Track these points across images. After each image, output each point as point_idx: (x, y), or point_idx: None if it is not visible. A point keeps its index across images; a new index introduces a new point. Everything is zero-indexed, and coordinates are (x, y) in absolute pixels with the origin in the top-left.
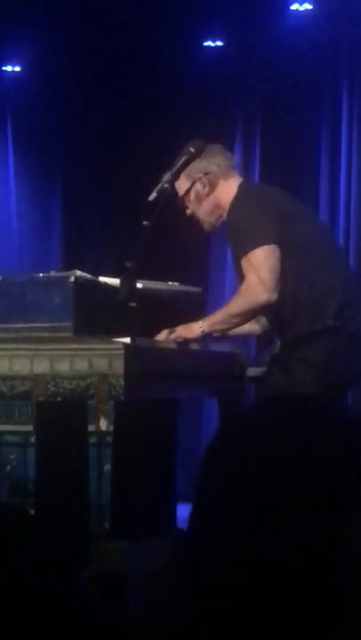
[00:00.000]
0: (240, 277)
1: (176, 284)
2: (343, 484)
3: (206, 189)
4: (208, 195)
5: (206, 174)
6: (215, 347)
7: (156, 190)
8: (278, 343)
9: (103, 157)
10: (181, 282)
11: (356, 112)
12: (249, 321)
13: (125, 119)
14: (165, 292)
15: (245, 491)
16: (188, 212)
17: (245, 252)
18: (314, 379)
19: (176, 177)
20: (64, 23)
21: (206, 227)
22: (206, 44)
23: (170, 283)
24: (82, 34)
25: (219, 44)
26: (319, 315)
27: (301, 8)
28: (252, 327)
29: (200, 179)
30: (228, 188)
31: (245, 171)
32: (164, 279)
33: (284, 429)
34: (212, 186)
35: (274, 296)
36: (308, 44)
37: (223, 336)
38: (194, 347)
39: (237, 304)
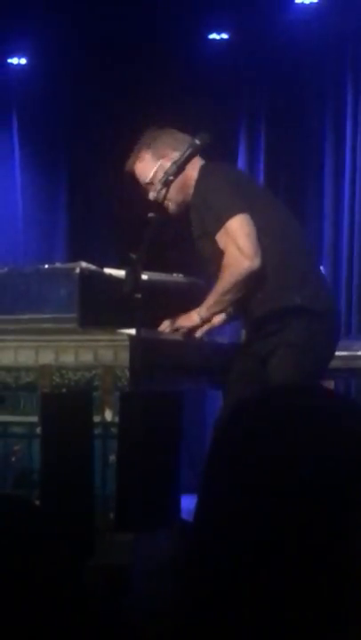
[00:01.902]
0: (207, 261)
1: (181, 275)
2: (351, 473)
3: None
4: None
5: (174, 150)
6: (219, 339)
7: (161, 182)
8: (243, 332)
9: (108, 149)
10: (186, 273)
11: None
12: (241, 294)
13: (130, 112)
14: (170, 284)
15: (251, 482)
16: (152, 195)
17: (219, 227)
18: (294, 360)
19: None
20: (69, 16)
21: (172, 208)
22: (211, 36)
23: (175, 274)
24: (87, 27)
25: (224, 36)
26: (286, 293)
27: (307, 1)
28: None
29: (167, 155)
30: (195, 165)
31: (250, 163)
32: (169, 271)
33: (289, 419)
34: (178, 168)
35: (256, 261)
36: (313, 37)
37: (228, 321)
38: (198, 337)
39: (225, 280)
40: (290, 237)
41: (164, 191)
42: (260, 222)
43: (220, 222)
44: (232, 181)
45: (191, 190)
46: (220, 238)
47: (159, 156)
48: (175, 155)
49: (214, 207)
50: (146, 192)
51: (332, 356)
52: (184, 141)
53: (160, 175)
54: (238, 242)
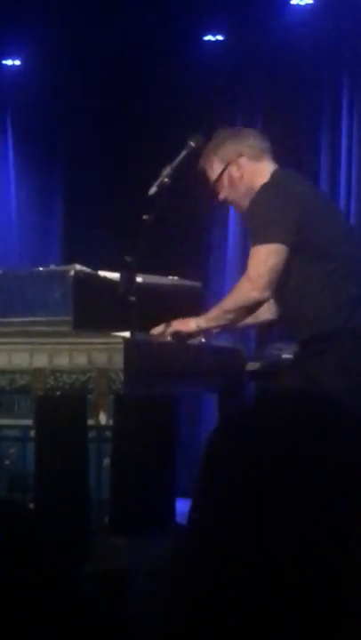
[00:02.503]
0: None
1: (176, 278)
2: (347, 480)
3: (239, 172)
4: (242, 177)
5: (240, 156)
6: (215, 342)
7: (156, 184)
8: (296, 349)
9: (104, 151)
10: (181, 276)
11: (356, 107)
12: (245, 317)
13: (126, 113)
14: (165, 287)
15: (246, 486)
16: (221, 197)
17: (254, 244)
18: (338, 385)
19: (183, 169)
20: (64, 17)
21: (240, 210)
22: (207, 38)
23: (170, 277)
24: (82, 28)
25: (219, 38)
26: (334, 316)
27: (302, 3)
28: (255, 319)
29: (233, 161)
30: (261, 171)
31: None
32: (164, 273)
33: (285, 425)
34: (245, 169)
35: (265, 294)
36: (308, 38)
37: (225, 330)
38: (194, 341)
39: (230, 301)
40: (337, 257)
41: (227, 197)
42: (308, 243)
43: (256, 242)
44: (290, 203)
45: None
46: (250, 255)
47: (224, 161)
48: (240, 161)
49: (259, 225)
50: (215, 191)
51: None
52: (249, 146)
53: (225, 182)
54: (258, 270)
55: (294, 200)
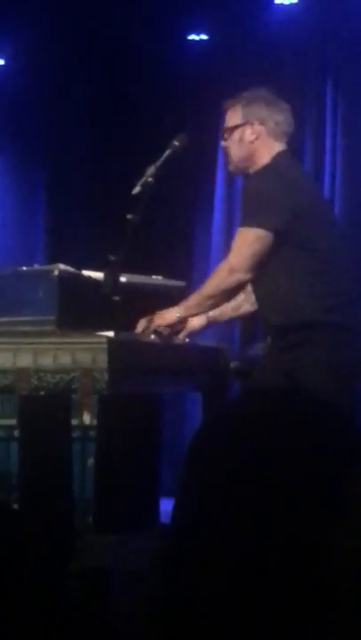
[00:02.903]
0: None
1: (160, 277)
2: (329, 479)
3: (253, 137)
4: (252, 142)
5: (261, 124)
6: (199, 341)
7: (140, 184)
8: (269, 340)
9: (88, 150)
10: (165, 276)
11: (340, 106)
12: (225, 301)
13: (110, 112)
14: (149, 286)
15: (229, 485)
16: (224, 144)
17: (242, 224)
18: (316, 379)
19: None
20: (49, 16)
21: (231, 167)
22: (191, 37)
23: (154, 277)
24: (66, 28)
25: (203, 37)
26: (312, 306)
27: (286, 2)
28: (238, 312)
29: (253, 124)
30: (270, 148)
31: None
32: (148, 273)
33: (269, 424)
34: (258, 137)
35: (247, 276)
36: (293, 38)
37: (209, 325)
38: (178, 341)
39: (211, 285)
40: (324, 251)
41: (229, 149)
42: (296, 235)
43: (245, 223)
44: (286, 191)
45: (254, 168)
46: (237, 235)
47: (246, 119)
48: (259, 128)
49: (252, 206)
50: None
51: (358, 371)
52: (276, 121)
53: (236, 136)
54: (241, 252)
55: (291, 189)
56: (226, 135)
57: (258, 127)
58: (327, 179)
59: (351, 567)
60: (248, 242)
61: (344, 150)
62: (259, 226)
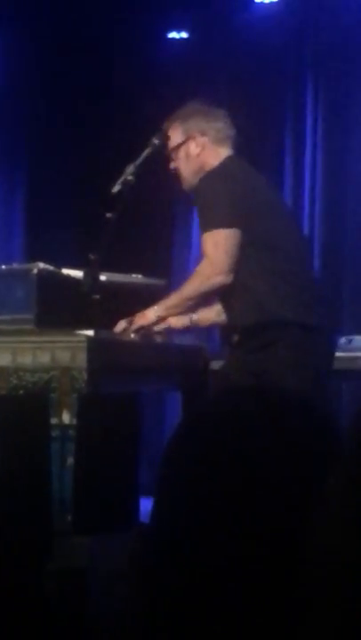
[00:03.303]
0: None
1: (140, 276)
2: (305, 475)
3: (198, 150)
4: (198, 155)
5: (203, 135)
6: (179, 340)
7: (119, 182)
8: (236, 339)
9: (67, 149)
10: (145, 274)
11: (320, 103)
12: (205, 303)
13: (90, 112)
14: (129, 285)
15: (207, 484)
16: (172, 165)
17: (206, 230)
18: (285, 379)
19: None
20: (26, 16)
21: (185, 185)
22: (171, 35)
23: (133, 275)
24: (44, 27)
25: (183, 35)
26: (278, 306)
27: (267, 0)
28: (221, 317)
29: (195, 138)
30: (217, 156)
31: None
32: (128, 271)
33: (246, 422)
34: (203, 148)
35: (228, 278)
36: (273, 35)
37: (191, 327)
38: (158, 339)
39: (192, 286)
40: (288, 251)
41: (179, 168)
42: (257, 234)
43: (208, 227)
44: (239, 189)
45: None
46: (204, 242)
47: (186, 135)
48: (202, 140)
49: (209, 209)
50: (169, 158)
51: (329, 371)
52: (216, 129)
53: (182, 154)
54: (217, 254)
55: (239, 188)
56: (173, 156)
57: (201, 139)
58: (308, 173)
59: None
60: (220, 243)
61: (325, 145)
62: (221, 226)
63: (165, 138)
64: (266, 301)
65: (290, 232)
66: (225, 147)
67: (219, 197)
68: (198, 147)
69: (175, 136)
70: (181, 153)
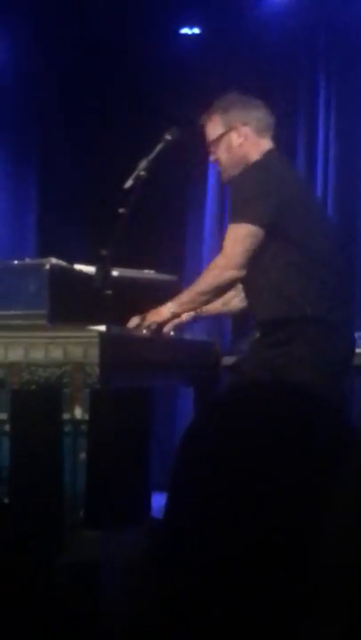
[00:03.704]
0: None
1: (152, 272)
2: (320, 472)
3: (240, 140)
4: (241, 145)
5: (245, 125)
6: (191, 336)
7: (132, 178)
8: (257, 335)
9: (79, 144)
10: (157, 270)
11: (333, 99)
12: (218, 297)
13: (102, 107)
14: (141, 280)
15: (221, 479)
16: (213, 157)
17: (232, 221)
18: (305, 376)
19: (153, 164)
20: (39, 11)
21: (225, 177)
22: (183, 31)
23: (145, 271)
24: (57, 23)
25: (196, 31)
26: (298, 302)
27: None
28: (227, 307)
29: (237, 128)
30: (258, 147)
31: None
32: (140, 267)
33: (258, 418)
34: (246, 138)
35: (241, 273)
36: (285, 31)
37: (197, 318)
38: (169, 334)
39: (205, 281)
40: (317, 250)
41: (220, 160)
42: (289, 231)
43: (235, 220)
44: (277, 185)
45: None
46: (227, 233)
47: (228, 126)
48: (244, 130)
49: (242, 202)
50: (210, 150)
51: (347, 368)
52: (257, 118)
53: (223, 145)
54: (235, 248)
55: (278, 185)
56: (213, 148)
57: (243, 129)
58: (320, 170)
59: (343, 559)
60: (239, 238)
61: (337, 141)
62: (248, 221)
63: (202, 130)
64: (292, 298)
65: (320, 230)
66: (266, 137)
67: (254, 192)
68: (241, 137)
69: (215, 128)
70: (223, 145)
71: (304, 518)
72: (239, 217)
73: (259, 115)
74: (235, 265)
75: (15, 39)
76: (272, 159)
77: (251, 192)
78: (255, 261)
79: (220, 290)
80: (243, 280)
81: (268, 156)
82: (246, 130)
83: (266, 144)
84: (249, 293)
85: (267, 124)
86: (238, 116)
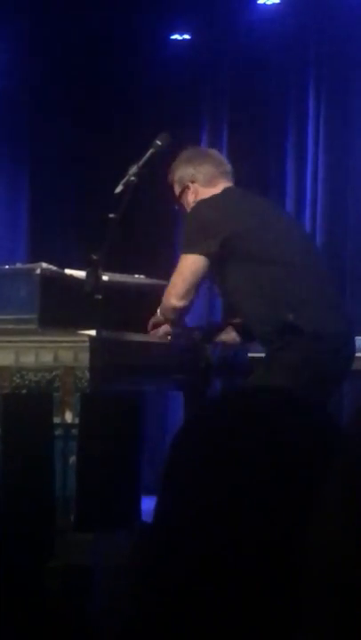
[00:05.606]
0: None
1: (142, 276)
2: (307, 475)
3: (192, 196)
4: (196, 199)
5: (193, 182)
6: (181, 340)
7: (122, 183)
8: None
9: (70, 149)
10: (147, 274)
11: (322, 104)
12: (173, 323)
13: (93, 112)
14: (131, 285)
15: (211, 483)
16: (183, 209)
17: (181, 252)
18: (289, 379)
19: (143, 168)
20: (30, 15)
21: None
22: (173, 37)
23: (136, 275)
24: (47, 29)
25: (186, 37)
26: (278, 314)
27: (269, 2)
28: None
29: (188, 187)
30: (217, 187)
31: None
32: (130, 272)
33: (249, 420)
34: (196, 194)
35: (181, 303)
36: (275, 37)
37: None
38: (162, 339)
39: (160, 312)
40: (288, 263)
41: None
42: (251, 251)
43: (181, 250)
44: (217, 216)
45: None
46: (179, 262)
47: (181, 185)
48: (193, 187)
49: (183, 235)
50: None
51: (337, 376)
52: (203, 173)
53: (183, 202)
54: (180, 278)
55: (223, 213)
56: (178, 205)
57: (192, 186)
58: (310, 175)
59: (329, 561)
60: (181, 269)
61: (327, 148)
62: (190, 252)
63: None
64: (262, 311)
65: (290, 243)
66: (219, 184)
67: (194, 225)
68: (192, 193)
69: (175, 188)
70: (183, 201)
71: (294, 521)
72: (183, 249)
73: (205, 169)
74: (175, 294)
75: (4, 45)
76: (217, 195)
77: (191, 227)
78: (225, 285)
79: (165, 317)
80: (228, 304)
81: (225, 191)
82: (196, 186)
83: (217, 190)
84: (239, 314)
85: (214, 174)
86: (186, 174)
